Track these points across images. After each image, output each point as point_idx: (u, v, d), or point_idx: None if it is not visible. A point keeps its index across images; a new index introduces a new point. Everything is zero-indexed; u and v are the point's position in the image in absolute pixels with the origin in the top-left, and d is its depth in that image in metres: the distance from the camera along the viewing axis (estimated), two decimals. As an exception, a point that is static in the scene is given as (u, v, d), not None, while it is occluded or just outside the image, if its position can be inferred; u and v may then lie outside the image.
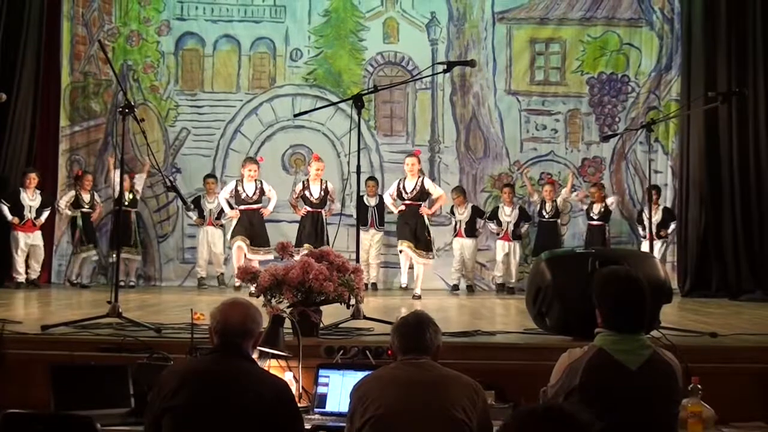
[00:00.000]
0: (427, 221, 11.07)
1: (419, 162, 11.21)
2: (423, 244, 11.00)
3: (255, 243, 10.97)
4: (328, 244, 10.48)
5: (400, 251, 11.24)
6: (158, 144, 12.79)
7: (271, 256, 10.61)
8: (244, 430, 3.42)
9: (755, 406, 5.06)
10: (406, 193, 11.02)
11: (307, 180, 11.29)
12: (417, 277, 11.07)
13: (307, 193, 11.17)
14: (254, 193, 11.12)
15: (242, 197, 11.08)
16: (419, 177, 11.08)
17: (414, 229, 10.96)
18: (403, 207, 11.06)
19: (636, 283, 3.78)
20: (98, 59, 12.87)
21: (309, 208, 11.17)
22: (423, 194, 11.03)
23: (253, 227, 11.03)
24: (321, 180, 11.23)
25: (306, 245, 10.53)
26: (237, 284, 10.90)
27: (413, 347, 3.77)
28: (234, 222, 11.17)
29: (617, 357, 3.61)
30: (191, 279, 12.71)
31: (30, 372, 5.12)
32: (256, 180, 11.17)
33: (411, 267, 11.41)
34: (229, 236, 11.38)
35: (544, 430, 1.83)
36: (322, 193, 11.19)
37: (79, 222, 12.08)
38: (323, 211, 11.20)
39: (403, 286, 11.73)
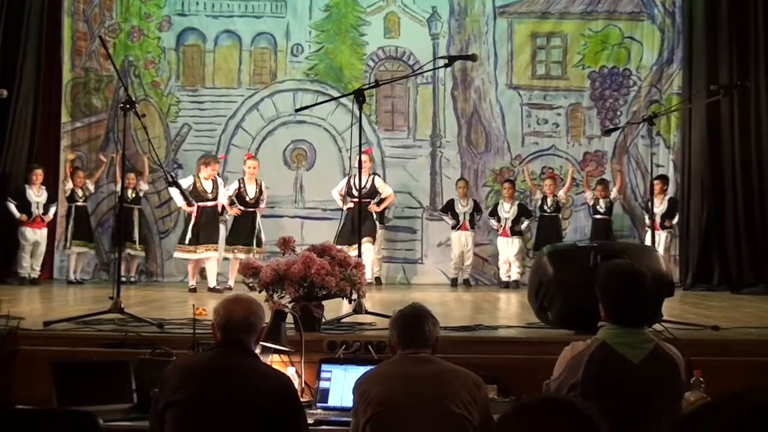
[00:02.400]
0: (374, 217, 11.25)
1: (371, 159, 11.29)
2: (370, 232, 11.19)
3: (210, 241, 10.85)
4: (260, 244, 10.93)
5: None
6: (159, 140, 12.78)
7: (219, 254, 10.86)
8: (247, 425, 3.43)
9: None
10: (357, 190, 10.99)
11: (243, 179, 11.25)
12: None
13: (243, 192, 11.15)
14: (212, 191, 10.97)
15: (200, 192, 10.89)
16: (370, 175, 11.15)
17: (362, 223, 10.97)
18: (351, 204, 11.04)
19: (640, 277, 3.78)
20: (99, 55, 12.87)
21: (242, 208, 11.11)
22: (373, 192, 11.10)
23: (208, 226, 10.92)
24: (256, 179, 11.23)
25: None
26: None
27: (413, 341, 3.77)
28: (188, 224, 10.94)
29: (620, 350, 3.61)
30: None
31: (32, 368, 5.12)
32: (213, 178, 11.04)
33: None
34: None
35: (545, 421, 1.82)
36: (257, 192, 11.20)
37: (72, 216, 12.10)
38: (257, 210, 11.20)
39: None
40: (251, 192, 11.18)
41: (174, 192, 11.02)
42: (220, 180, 11.20)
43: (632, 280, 3.75)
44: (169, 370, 3.64)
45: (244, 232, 11.05)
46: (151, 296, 9.88)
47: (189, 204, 11.79)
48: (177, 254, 11.04)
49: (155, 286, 11.84)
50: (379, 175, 12.03)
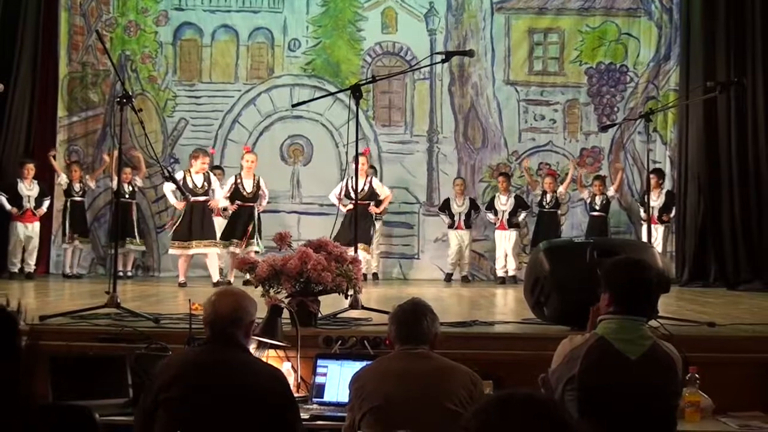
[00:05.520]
0: (373, 219, 11.12)
1: (368, 161, 11.16)
2: (366, 239, 11.04)
3: (204, 237, 10.63)
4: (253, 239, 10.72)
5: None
6: (156, 134, 12.78)
7: (216, 249, 10.57)
8: (240, 420, 3.43)
9: (753, 395, 5.07)
10: (355, 192, 10.89)
11: (240, 174, 11.06)
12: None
13: (239, 186, 10.99)
14: (202, 185, 10.72)
15: (190, 188, 10.61)
16: (368, 176, 11.06)
17: (363, 228, 10.89)
18: (351, 206, 10.92)
19: (649, 270, 3.83)
20: (96, 49, 12.86)
21: (239, 202, 10.95)
22: (372, 194, 11.01)
23: (200, 221, 10.66)
24: (254, 174, 11.03)
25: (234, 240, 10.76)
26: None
27: (411, 336, 3.78)
28: (180, 220, 10.67)
29: (617, 346, 3.61)
30: (190, 269, 12.66)
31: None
32: (205, 172, 10.81)
33: None
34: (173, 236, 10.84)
35: (521, 419, 1.82)
36: (255, 187, 11.01)
37: (68, 210, 12.07)
38: (256, 206, 11.05)
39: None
40: (248, 186, 10.99)
41: (167, 190, 10.84)
42: (213, 177, 10.96)
43: (643, 273, 3.78)
44: (160, 367, 3.62)
45: (240, 228, 10.84)
46: (148, 291, 9.87)
47: (186, 200, 11.68)
48: (171, 251, 10.94)
49: (152, 281, 11.85)
50: (375, 175, 12.00)
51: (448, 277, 12.39)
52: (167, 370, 3.56)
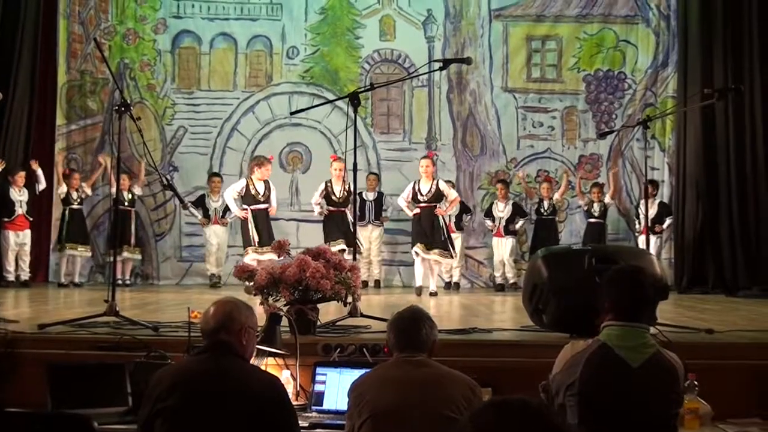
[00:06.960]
0: (443, 222, 11.03)
1: (433, 164, 11.19)
2: (440, 243, 10.95)
3: (265, 243, 10.71)
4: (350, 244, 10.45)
5: (416, 254, 11.04)
6: (155, 142, 12.79)
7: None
8: (238, 428, 3.41)
9: (751, 402, 5.07)
10: (422, 195, 10.97)
11: (330, 180, 11.24)
12: (432, 276, 11.07)
13: (330, 192, 11.16)
14: (264, 193, 10.98)
15: (254, 196, 10.88)
16: (434, 179, 11.07)
17: (431, 230, 10.91)
18: (418, 210, 10.99)
19: (649, 278, 3.87)
20: (95, 57, 12.88)
21: (331, 208, 11.15)
22: (439, 196, 10.99)
23: (266, 228, 10.90)
24: (343, 179, 11.15)
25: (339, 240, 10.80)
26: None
27: (409, 344, 3.77)
28: (249, 224, 10.82)
29: (619, 353, 3.61)
30: (189, 277, 12.71)
31: (27, 371, 5.10)
32: (266, 179, 11.04)
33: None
34: (247, 239, 10.87)
35: (515, 424, 1.83)
36: (345, 192, 11.13)
37: (66, 218, 12.07)
38: (348, 210, 11.10)
39: (418, 285, 11.18)
40: (338, 192, 11.15)
41: (228, 198, 11.07)
42: (272, 185, 11.14)
43: (641, 279, 3.81)
44: (156, 377, 3.60)
45: (337, 231, 10.99)
46: (147, 299, 9.85)
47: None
48: (245, 259, 10.67)
49: (151, 289, 11.83)
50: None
51: (447, 285, 12.35)
52: (164, 379, 3.55)
